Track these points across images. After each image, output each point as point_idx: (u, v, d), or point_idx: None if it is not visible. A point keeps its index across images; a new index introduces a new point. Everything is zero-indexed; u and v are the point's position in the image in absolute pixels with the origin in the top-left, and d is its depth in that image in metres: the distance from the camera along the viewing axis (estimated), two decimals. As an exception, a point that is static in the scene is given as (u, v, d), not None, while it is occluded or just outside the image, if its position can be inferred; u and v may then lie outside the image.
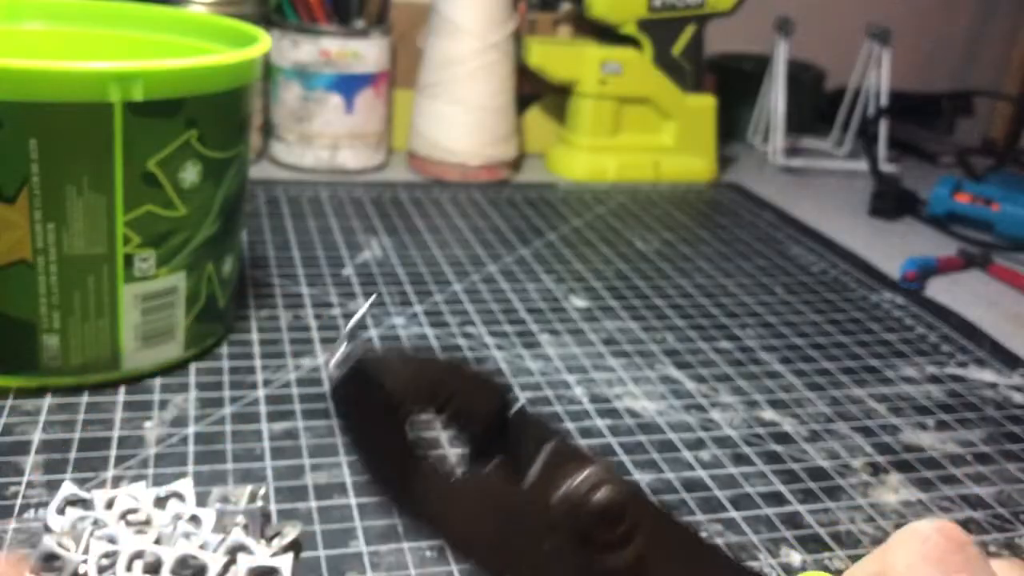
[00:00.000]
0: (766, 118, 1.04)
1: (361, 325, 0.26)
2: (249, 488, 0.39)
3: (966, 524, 0.43)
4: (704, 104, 0.91)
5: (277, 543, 0.36)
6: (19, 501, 0.38)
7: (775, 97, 0.99)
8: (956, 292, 0.71)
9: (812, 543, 0.41)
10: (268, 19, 0.81)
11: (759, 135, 1.07)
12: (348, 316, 0.57)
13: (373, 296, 0.27)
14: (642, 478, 0.44)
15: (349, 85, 0.81)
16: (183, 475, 0.41)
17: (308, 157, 0.83)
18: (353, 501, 0.40)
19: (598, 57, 0.86)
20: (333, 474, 0.42)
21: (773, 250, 0.75)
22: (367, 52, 0.81)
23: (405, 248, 0.68)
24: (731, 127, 1.08)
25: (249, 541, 0.35)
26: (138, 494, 0.38)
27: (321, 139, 0.82)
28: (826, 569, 0.39)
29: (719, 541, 0.40)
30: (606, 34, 0.89)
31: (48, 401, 0.45)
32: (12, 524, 0.37)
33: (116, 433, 0.43)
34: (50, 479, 0.40)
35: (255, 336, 0.54)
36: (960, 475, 0.47)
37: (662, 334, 0.59)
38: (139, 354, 0.47)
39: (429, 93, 0.84)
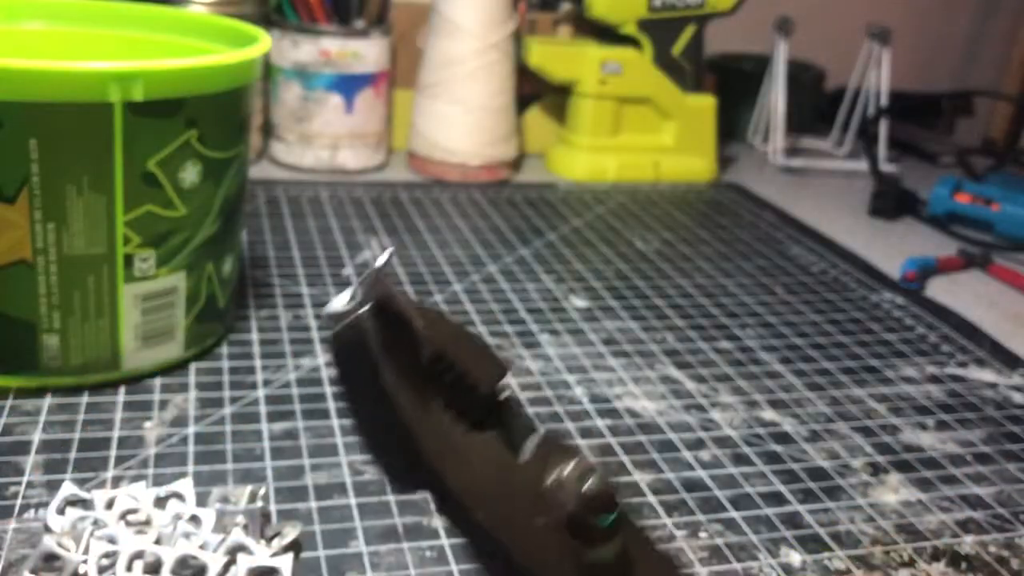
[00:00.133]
0: (766, 118, 1.04)
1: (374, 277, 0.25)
2: (249, 488, 0.39)
3: (966, 524, 0.43)
4: (704, 104, 0.91)
5: (277, 543, 0.36)
6: (19, 501, 0.38)
7: (775, 97, 0.99)
8: (956, 292, 0.71)
9: (812, 543, 0.41)
10: (268, 19, 0.81)
11: (759, 135, 1.07)
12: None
13: (391, 249, 0.27)
14: (642, 478, 0.44)
15: (349, 85, 0.81)
16: (183, 475, 0.41)
17: (308, 157, 0.83)
18: (353, 501, 0.40)
19: (598, 57, 0.86)
20: (333, 474, 0.42)
21: (773, 250, 0.75)
22: (367, 52, 0.81)
23: (405, 248, 0.68)
24: (731, 127, 1.08)
25: (249, 541, 0.35)
26: (138, 494, 0.38)
27: (321, 139, 0.82)
28: (826, 569, 0.39)
29: (719, 541, 0.40)
30: (606, 34, 0.89)
31: (48, 401, 0.45)
32: (12, 524, 0.37)
33: (116, 433, 0.43)
34: (50, 479, 0.40)
35: (255, 336, 0.54)
36: (960, 475, 0.47)
37: (662, 334, 0.59)
38: (139, 354, 0.47)
39: (429, 93, 0.84)
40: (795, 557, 0.40)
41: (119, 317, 0.46)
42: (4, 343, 0.45)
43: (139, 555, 0.34)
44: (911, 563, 0.40)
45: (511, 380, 0.51)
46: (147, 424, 0.44)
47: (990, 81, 1.39)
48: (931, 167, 1.07)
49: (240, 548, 0.35)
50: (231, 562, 0.35)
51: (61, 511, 0.37)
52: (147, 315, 0.46)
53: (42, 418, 0.44)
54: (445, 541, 0.38)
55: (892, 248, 0.79)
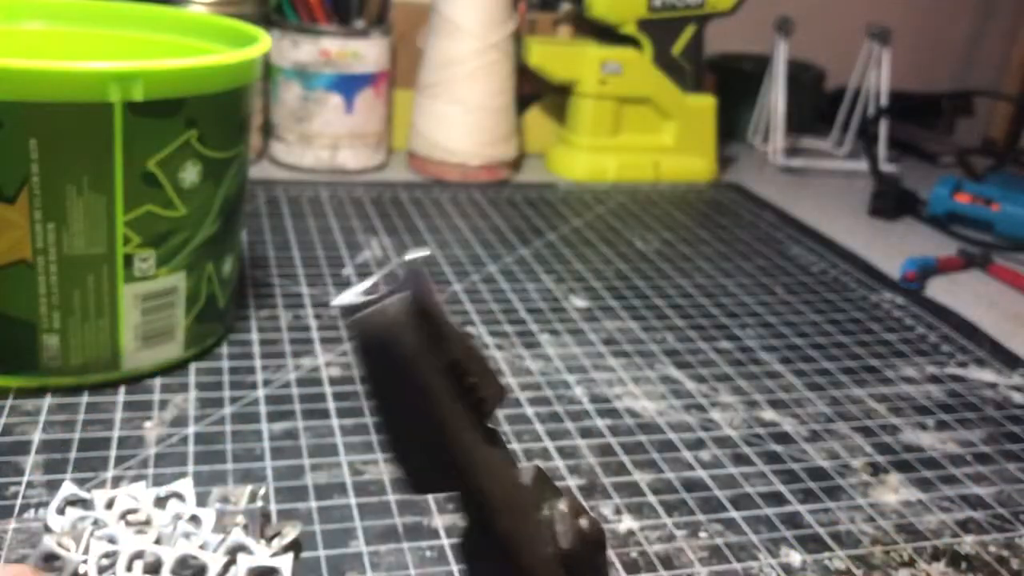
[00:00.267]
0: (766, 118, 1.04)
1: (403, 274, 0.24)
2: (249, 488, 0.39)
3: (966, 524, 0.43)
4: (704, 104, 0.91)
5: (277, 543, 0.36)
6: (19, 501, 0.38)
7: (775, 97, 0.99)
8: (956, 292, 0.71)
9: (812, 543, 0.41)
10: (268, 19, 0.81)
11: (759, 135, 1.07)
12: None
13: (426, 251, 0.26)
14: (642, 478, 0.44)
15: (349, 85, 0.81)
16: (183, 475, 0.41)
17: (308, 157, 0.83)
18: (353, 501, 0.40)
19: (598, 57, 0.86)
20: (333, 474, 0.42)
21: (773, 250, 0.75)
22: (367, 52, 0.81)
23: (405, 248, 0.68)
24: (731, 127, 1.08)
25: (249, 541, 0.35)
26: (138, 494, 0.38)
27: (321, 139, 0.82)
28: (826, 569, 0.39)
29: (719, 541, 0.40)
30: (606, 34, 0.89)
31: (48, 401, 0.45)
32: (12, 524, 0.37)
33: (116, 433, 0.43)
34: (50, 479, 0.40)
35: (255, 336, 0.54)
36: (960, 475, 0.47)
37: (662, 334, 0.59)
38: (139, 354, 0.47)
39: (429, 93, 0.84)
40: (795, 557, 0.40)
41: (119, 317, 0.46)
42: (4, 343, 0.45)
43: (139, 555, 0.34)
44: (911, 563, 0.40)
45: (511, 381, 0.51)
46: (147, 424, 0.44)
47: (990, 81, 1.39)
48: (931, 167, 1.07)
49: (240, 548, 0.35)
50: (231, 562, 0.35)
51: (61, 511, 0.37)
52: (147, 315, 0.46)
53: (42, 418, 0.44)
54: (445, 541, 0.38)
55: (892, 248, 0.79)
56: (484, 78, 0.82)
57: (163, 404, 0.46)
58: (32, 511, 0.38)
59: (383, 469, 0.43)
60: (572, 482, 0.43)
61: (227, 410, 0.46)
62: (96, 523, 0.36)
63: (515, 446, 0.45)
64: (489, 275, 0.65)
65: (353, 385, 0.49)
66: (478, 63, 0.82)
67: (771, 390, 0.53)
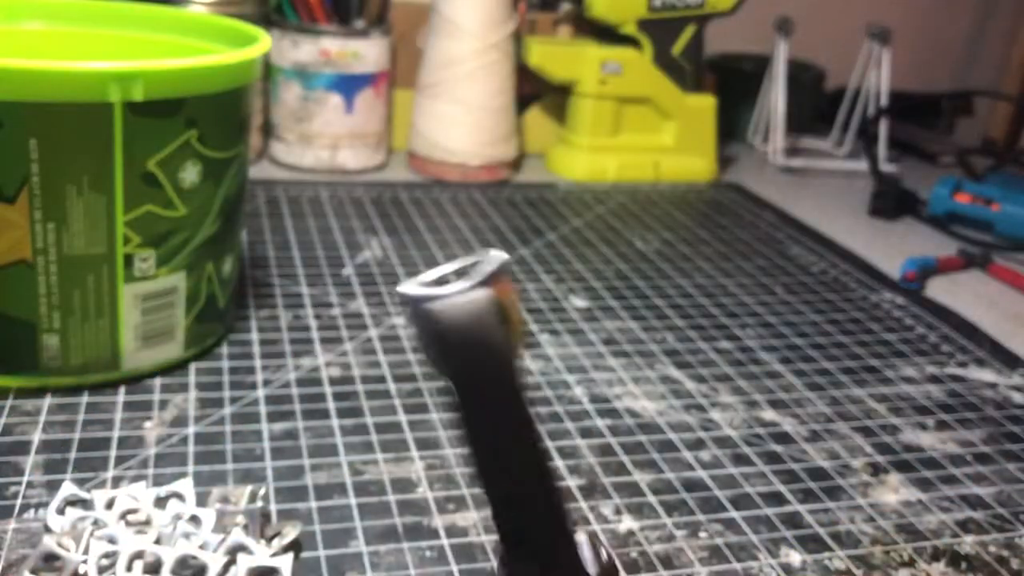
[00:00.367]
0: (766, 118, 1.04)
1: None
2: (249, 488, 0.39)
3: (966, 524, 0.43)
4: (704, 104, 0.91)
5: (277, 543, 0.36)
6: (19, 501, 0.38)
7: (775, 97, 0.99)
8: (956, 292, 0.71)
9: (812, 543, 0.41)
10: (268, 19, 0.81)
11: (759, 135, 1.07)
12: (348, 316, 0.57)
13: (506, 257, 0.25)
14: (642, 478, 0.44)
15: (349, 85, 0.81)
16: (183, 475, 0.41)
17: (308, 157, 0.83)
18: (353, 501, 0.40)
19: (598, 57, 0.86)
20: (333, 474, 0.42)
21: (773, 250, 0.75)
22: (367, 52, 0.81)
23: (405, 248, 0.68)
24: (731, 127, 1.08)
25: (249, 541, 0.35)
26: (138, 494, 0.38)
27: (321, 139, 0.82)
28: (826, 569, 0.39)
29: (719, 541, 0.40)
30: (606, 34, 0.89)
31: (48, 401, 0.45)
32: (12, 524, 0.37)
33: (116, 433, 0.43)
34: (50, 479, 0.40)
35: (255, 336, 0.54)
36: (960, 475, 0.47)
37: (662, 334, 0.59)
38: (139, 354, 0.47)
39: (429, 93, 0.84)
40: (795, 557, 0.40)
41: (119, 317, 0.46)
42: (4, 343, 0.45)
43: (139, 555, 0.34)
44: (911, 563, 0.40)
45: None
46: (147, 424, 0.44)
47: (990, 81, 1.39)
48: (931, 167, 1.07)
49: (240, 548, 0.35)
50: (231, 562, 0.35)
51: (61, 511, 0.37)
52: (147, 315, 0.46)
53: (42, 418, 0.44)
54: (445, 541, 0.38)
55: (892, 248, 0.79)
56: (484, 78, 0.82)
57: (163, 404, 0.46)
58: (32, 511, 0.38)
59: (383, 469, 0.43)
60: (572, 482, 0.43)
61: (227, 410, 0.46)
62: (96, 523, 0.36)
63: (515, 446, 0.45)
64: (489, 275, 0.65)
65: (353, 385, 0.49)
66: (478, 63, 0.82)
67: (771, 390, 0.53)
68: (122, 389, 0.47)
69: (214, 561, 0.34)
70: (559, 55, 0.87)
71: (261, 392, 0.48)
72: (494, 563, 0.37)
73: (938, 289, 0.71)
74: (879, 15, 1.31)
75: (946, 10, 1.37)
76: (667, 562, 0.39)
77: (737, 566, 0.39)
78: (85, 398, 0.46)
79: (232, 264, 0.51)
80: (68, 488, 0.38)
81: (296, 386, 0.49)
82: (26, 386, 0.46)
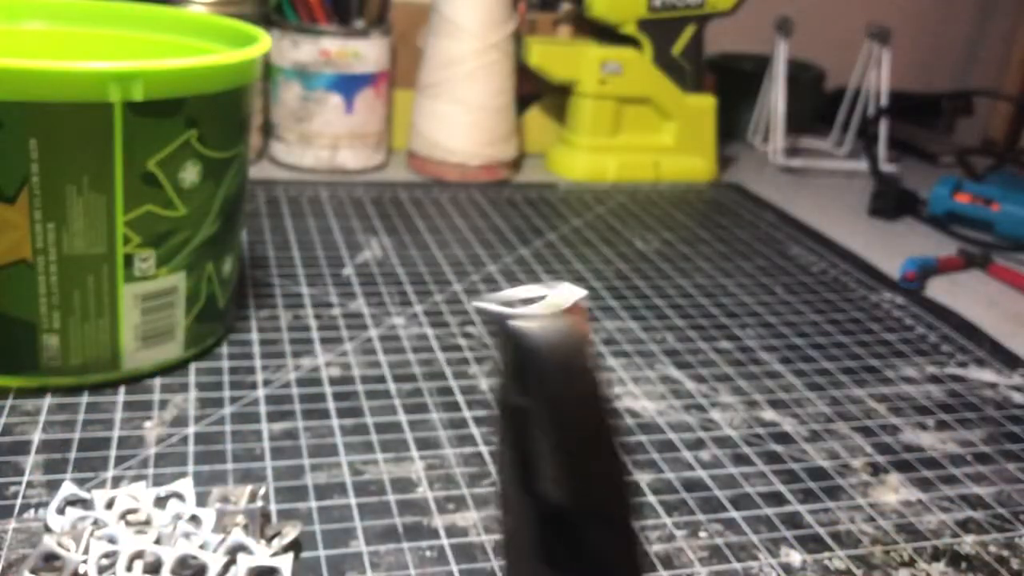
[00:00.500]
0: (766, 118, 1.04)
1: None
2: (249, 488, 0.39)
3: (966, 524, 0.43)
4: (704, 104, 0.91)
5: (277, 543, 0.36)
6: (19, 501, 0.38)
7: (775, 97, 0.99)
8: (956, 292, 0.71)
9: (812, 543, 0.41)
10: (268, 19, 0.81)
11: (759, 135, 1.07)
12: (348, 316, 0.57)
13: (583, 292, 0.26)
14: (642, 478, 0.44)
15: (349, 85, 0.81)
16: (183, 475, 0.41)
17: (308, 157, 0.83)
18: (353, 501, 0.40)
19: (598, 57, 0.86)
20: (333, 474, 0.42)
21: (773, 250, 0.75)
22: (367, 52, 0.81)
23: (405, 248, 0.68)
24: (731, 127, 1.08)
25: (249, 541, 0.35)
26: (138, 494, 0.38)
27: (321, 139, 0.82)
28: (826, 569, 0.39)
29: (719, 541, 0.40)
30: (606, 34, 0.89)
31: (48, 401, 0.45)
32: (12, 524, 0.37)
33: (116, 433, 0.43)
34: (50, 479, 0.40)
35: (255, 336, 0.54)
36: (960, 475, 0.47)
37: (662, 334, 0.59)
38: (139, 354, 0.47)
39: (429, 93, 0.84)
40: (795, 557, 0.40)
41: (119, 317, 0.46)
42: (4, 343, 0.45)
43: (139, 555, 0.34)
44: (911, 563, 0.40)
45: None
46: (147, 424, 0.44)
47: (990, 81, 1.39)
48: (931, 167, 1.07)
49: (240, 548, 0.35)
50: (231, 562, 0.35)
51: (61, 511, 0.37)
52: (147, 315, 0.46)
53: (42, 418, 0.44)
54: (445, 541, 0.38)
55: (892, 248, 0.79)
56: (484, 78, 0.82)
57: (163, 404, 0.46)
58: (32, 511, 0.38)
59: (383, 469, 0.43)
60: (572, 482, 0.43)
61: (227, 410, 0.46)
62: (96, 523, 0.36)
63: (515, 446, 0.45)
64: (489, 275, 0.65)
65: (353, 385, 0.49)
66: (478, 63, 0.82)
67: (771, 390, 0.53)
68: (122, 389, 0.47)
69: (214, 561, 0.34)
70: (559, 55, 0.87)
71: (261, 392, 0.48)
72: (494, 563, 0.37)
73: (938, 289, 0.71)
74: (879, 15, 1.31)
75: (946, 10, 1.37)
76: (667, 562, 0.39)
77: (737, 566, 0.39)
78: (85, 398, 0.46)
79: (232, 264, 0.51)
80: (68, 488, 0.38)
81: (296, 386, 0.49)
82: (26, 386, 0.46)
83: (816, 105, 1.13)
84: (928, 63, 1.38)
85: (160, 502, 0.38)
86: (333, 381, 0.50)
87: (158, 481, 0.40)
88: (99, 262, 0.44)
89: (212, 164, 0.46)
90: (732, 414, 0.50)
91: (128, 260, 0.45)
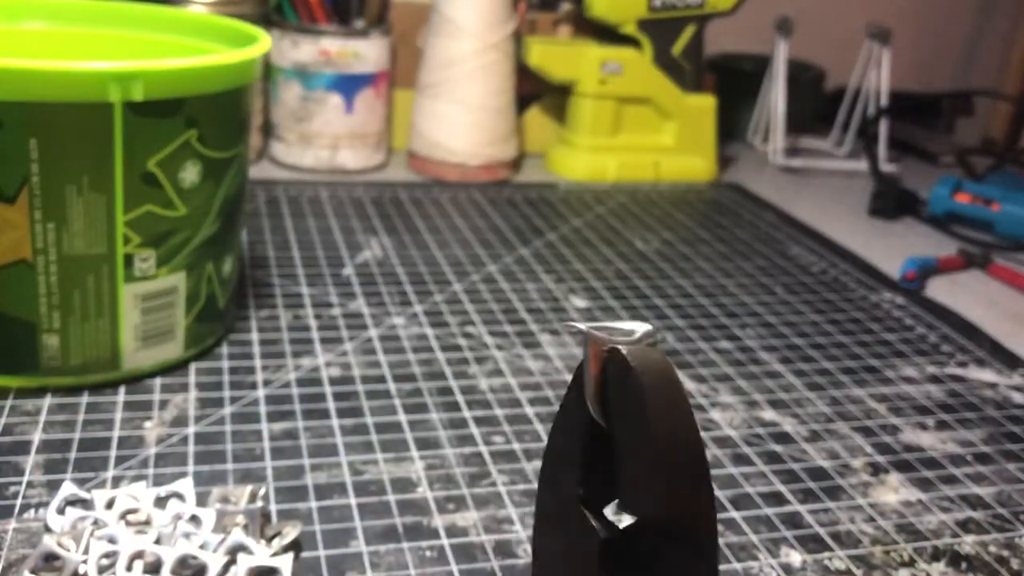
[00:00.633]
0: (766, 118, 1.04)
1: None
2: (249, 488, 0.39)
3: (966, 524, 0.43)
4: (704, 104, 0.91)
5: (277, 543, 0.36)
6: (19, 501, 0.38)
7: (775, 97, 0.99)
8: (956, 292, 0.71)
9: (812, 543, 0.41)
10: (268, 19, 0.81)
11: (759, 135, 1.07)
12: (348, 316, 0.57)
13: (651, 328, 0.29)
14: (642, 478, 0.44)
15: (349, 85, 0.81)
16: (183, 475, 0.41)
17: (308, 157, 0.83)
18: (353, 501, 0.40)
19: (598, 57, 0.86)
20: (333, 474, 0.42)
21: (773, 250, 0.75)
22: (367, 52, 0.81)
23: (405, 248, 0.68)
24: (731, 127, 1.08)
25: (249, 541, 0.35)
26: (138, 494, 0.38)
27: (321, 139, 0.82)
28: (826, 569, 0.39)
29: (719, 541, 0.40)
30: (606, 34, 0.89)
31: (48, 401, 0.45)
32: (12, 524, 0.37)
33: (116, 433, 0.43)
34: (50, 479, 0.40)
35: (255, 336, 0.54)
36: (960, 475, 0.47)
37: (662, 334, 0.59)
38: (139, 354, 0.47)
39: (429, 93, 0.84)
40: (795, 557, 0.40)
41: (119, 317, 0.46)
42: (4, 343, 0.45)
43: (139, 555, 0.34)
44: (911, 563, 0.40)
45: (511, 381, 0.51)
46: (147, 424, 0.44)
47: (990, 81, 1.39)
48: (931, 167, 1.07)
49: (240, 548, 0.35)
50: (231, 562, 0.35)
51: (61, 511, 0.37)
52: (147, 315, 0.46)
53: (42, 418, 0.44)
54: (445, 541, 0.38)
55: (892, 248, 0.79)
56: (484, 78, 0.82)
57: (163, 404, 0.46)
58: (32, 511, 0.38)
59: (383, 469, 0.43)
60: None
61: (227, 410, 0.46)
62: (96, 523, 0.36)
63: (515, 446, 0.45)
64: (489, 275, 0.65)
65: (353, 385, 0.49)
66: (478, 63, 0.82)
67: (771, 390, 0.53)
68: (122, 389, 0.47)
69: (214, 561, 0.34)
70: (559, 55, 0.87)
71: (261, 392, 0.48)
72: (494, 563, 0.37)
73: (938, 289, 0.71)
74: (879, 15, 1.31)
75: (946, 10, 1.37)
76: (667, 562, 0.38)
77: (737, 566, 0.39)
78: (85, 398, 0.46)
79: (232, 264, 0.51)
80: (68, 488, 0.38)
81: (296, 386, 0.49)
82: (26, 386, 0.46)
83: (816, 105, 1.13)
84: (928, 63, 1.38)
85: (160, 502, 0.38)
86: (333, 381, 0.50)
87: (158, 481, 0.40)
88: (99, 262, 0.44)
89: (212, 164, 0.46)
90: (732, 414, 0.50)
91: (128, 260, 0.45)
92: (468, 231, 0.73)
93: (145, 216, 0.44)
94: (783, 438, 0.49)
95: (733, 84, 1.06)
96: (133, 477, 0.41)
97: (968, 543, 0.42)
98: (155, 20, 0.55)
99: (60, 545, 0.34)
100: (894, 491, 0.45)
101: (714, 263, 0.71)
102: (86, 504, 0.38)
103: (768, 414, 0.51)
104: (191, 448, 0.43)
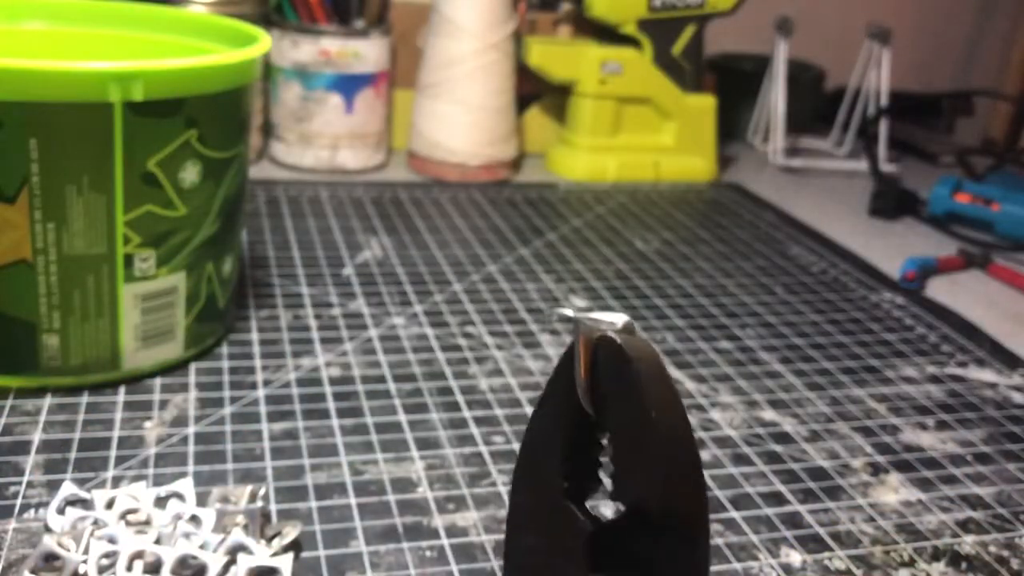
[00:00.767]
0: (766, 118, 1.04)
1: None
2: (249, 488, 0.39)
3: (966, 524, 0.43)
4: (704, 104, 0.91)
5: (277, 543, 0.36)
6: (19, 501, 0.38)
7: (775, 97, 0.99)
8: (956, 292, 0.71)
9: (812, 543, 0.41)
10: (268, 19, 0.81)
11: (759, 135, 1.07)
12: (348, 316, 0.57)
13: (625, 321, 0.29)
14: (642, 478, 0.44)
15: (349, 85, 0.81)
16: (183, 475, 0.41)
17: (308, 157, 0.83)
18: (353, 501, 0.40)
19: (598, 57, 0.86)
20: (333, 474, 0.42)
21: (773, 250, 0.75)
22: (367, 52, 0.81)
23: (405, 248, 0.68)
24: (731, 127, 1.08)
25: (249, 541, 0.35)
26: (138, 494, 0.38)
27: (321, 139, 0.82)
28: (826, 569, 0.39)
29: (719, 541, 0.40)
30: (606, 34, 0.89)
31: (48, 401, 0.45)
32: (12, 524, 0.37)
33: (116, 433, 0.43)
34: (50, 479, 0.40)
35: (255, 336, 0.54)
36: (960, 475, 0.47)
37: (662, 334, 0.59)
38: (139, 354, 0.47)
39: (429, 93, 0.84)
40: (795, 557, 0.40)
41: (119, 317, 0.46)
42: (4, 343, 0.45)
43: (139, 555, 0.34)
44: (911, 563, 0.40)
45: (511, 381, 0.51)
46: (147, 424, 0.44)
47: (990, 81, 1.39)
48: (931, 167, 1.07)
49: (240, 548, 0.35)
50: (231, 562, 0.35)
51: (61, 511, 0.37)
52: (147, 315, 0.46)
53: (42, 418, 0.44)
54: (445, 541, 0.38)
55: (892, 248, 0.79)
56: (484, 78, 0.82)
57: (163, 404, 0.46)
58: (32, 511, 0.38)
59: (383, 469, 0.43)
60: (572, 482, 0.43)
61: (227, 410, 0.46)
62: (96, 523, 0.36)
63: (515, 446, 0.45)
64: (489, 275, 0.65)
65: (353, 385, 0.49)
66: (478, 63, 0.82)
67: (771, 390, 0.53)
68: (122, 389, 0.47)
69: (214, 561, 0.34)
70: (559, 55, 0.87)
71: (261, 392, 0.48)
72: (494, 563, 0.37)
73: (938, 289, 0.71)
74: (879, 15, 1.31)
75: (946, 10, 1.37)
76: (667, 562, 0.38)
77: (737, 566, 0.39)
78: (85, 398, 0.46)
79: (232, 264, 0.51)
80: (68, 488, 0.38)
81: (296, 386, 0.49)
82: (26, 386, 0.46)
83: (816, 105, 1.13)
84: (928, 63, 1.38)
85: (160, 502, 0.38)
86: (333, 381, 0.50)
87: (158, 481, 0.40)
88: (99, 262, 0.44)
89: (212, 164, 0.46)
90: (732, 414, 0.50)
91: (128, 260, 0.45)
92: (468, 231, 0.73)
93: (145, 216, 0.44)
94: (783, 438, 0.49)
95: (733, 84, 1.06)
96: (133, 477, 0.41)
97: (968, 543, 0.42)
98: (155, 20, 0.55)
99: (60, 545, 0.34)
100: (894, 491, 0.45)
101: (714, 263, 0.71)
102: (86, 504, 0.38)
103: (768, 414, 0.51)
104: (191, 448, 0.43)
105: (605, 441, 0.28)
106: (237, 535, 0.35)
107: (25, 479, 0.40)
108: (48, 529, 0.37)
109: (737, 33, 1.16)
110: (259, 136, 0.85)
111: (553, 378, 0.29)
